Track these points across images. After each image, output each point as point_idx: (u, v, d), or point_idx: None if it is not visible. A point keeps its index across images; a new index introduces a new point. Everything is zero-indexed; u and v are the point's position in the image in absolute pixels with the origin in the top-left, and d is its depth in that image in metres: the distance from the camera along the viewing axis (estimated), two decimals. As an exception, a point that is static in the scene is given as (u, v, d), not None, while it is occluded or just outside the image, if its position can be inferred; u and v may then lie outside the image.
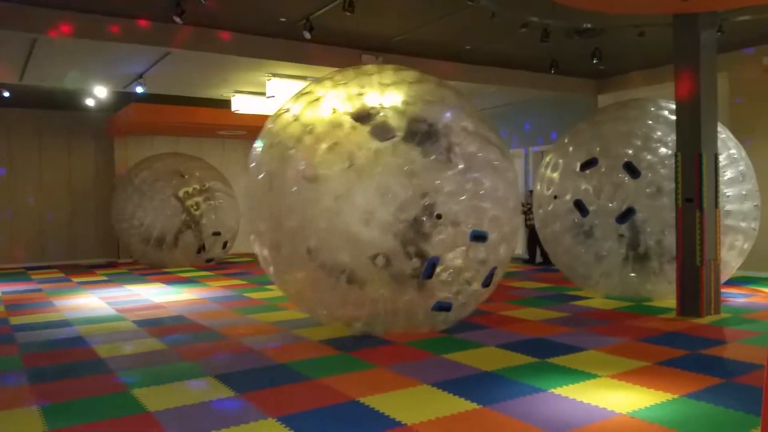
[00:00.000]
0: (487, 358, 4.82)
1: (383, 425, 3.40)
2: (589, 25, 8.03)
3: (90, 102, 11.67)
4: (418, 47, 9.14)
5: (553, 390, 3.95)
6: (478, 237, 5.33)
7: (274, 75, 9.38)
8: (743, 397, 3.71)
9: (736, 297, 7.29)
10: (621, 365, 4.50)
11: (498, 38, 8.68)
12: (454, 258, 5.31)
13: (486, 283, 5.58)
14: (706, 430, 3.24)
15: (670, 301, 6.67)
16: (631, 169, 7.04)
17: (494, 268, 5.57)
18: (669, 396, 3.78)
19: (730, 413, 3.47)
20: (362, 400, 3.84)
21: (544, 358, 4.76)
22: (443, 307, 5.48)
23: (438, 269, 5.26)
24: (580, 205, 7.33)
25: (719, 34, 6.84)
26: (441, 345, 5.29)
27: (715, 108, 6.30)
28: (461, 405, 3.70)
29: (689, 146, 6.14)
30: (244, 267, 12.37)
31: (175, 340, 5.72)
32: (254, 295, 8.42)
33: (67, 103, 12.31)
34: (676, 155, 6.25)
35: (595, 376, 4.24)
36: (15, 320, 6.90)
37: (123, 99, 11.74)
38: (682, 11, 6.12)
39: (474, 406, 3.68)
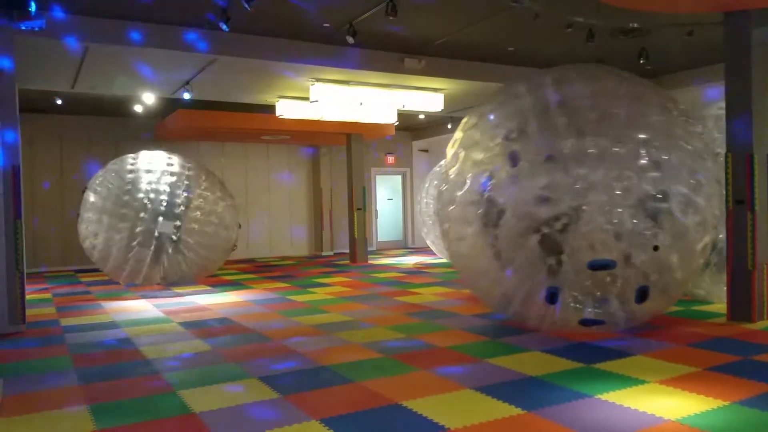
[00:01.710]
0: (531, 362, 4.76)
1: (425, 429, 3.41)
2: (635, 25, 7.86)
3: (138, 108, 12.04)
4: (461, 50, 9.11)
5: (599, 396, 3.88)
6: (599, 267, 4.86)
7: (318, 80, 9.51)
8: (799, 407, 3.58)
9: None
10: (670, 371, 4.39)
11: (542, 39, 8.58)
12: None
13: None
14: (760, 440, 3.14)
15: (721, 306, 6.46)
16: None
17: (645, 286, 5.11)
18: (720, 403, 3.67)
19: (786, 423, 3.35)
20: (405, 403, 3.84)
21: (590, 363, 4.67)
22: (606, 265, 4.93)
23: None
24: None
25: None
26: (485, 349, 5.25)
27: (766, 108, 6.09)
28: (505, 410, 3.67)
29: (740, 147, 5.95)
30: (287, 270, 12.56)
31: (219, 342, 5.84)
32: (297, 298, 8.53)
33: (116, 109, 12.72)
34: (726, 156, 6.06)
35: (643, 382, 4.14)
36: (65, 321, 7.15)
37: (170, 105, 12.08)
38: (733, 8, 5.93)
39: (518, 411, 3.65)
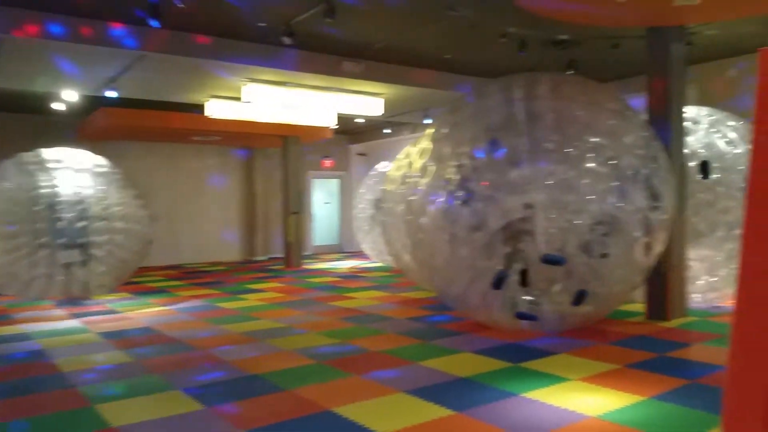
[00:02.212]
0: (462, 364, 4.83)
1: (356, 433, 3.38)
2: (565, 37, 8.15)
3: (59, 106, 11.45)
4: (399, 55, 9.17)
5: (525, 394, 3.98)
6: (552, 261, 5.03)
7: (252, 80, 9.33)
8: (707, 398, 3.81)
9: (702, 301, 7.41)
10: (592, 368, 4.56)
11: (477, 48, 8.75)
12: None
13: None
14: (673, 431, 3.29)
15: (640, 305, 6.77)
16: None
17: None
18: (637, 398, 3.84)
19: (695, 413, 3.56)
20: (336, 410, 3.81)
21: (518, 362, 4.79)
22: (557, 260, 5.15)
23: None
24: None
25: (688, 46, 7.00)
26: (417, 352, 5.28)
27: (682, 118, 6.45)
28: (436, 412, 3.70)
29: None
30: (217, 276, 12.23)
31: (141, 352, 5.56)
32: (227, 305, 8.30)
33: (36, 106, 12.06)
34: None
35: (566, 380, 4.28)
36: (-23, 332, 6.67)
37: (94, 103, 11.55)
38: (654, 24, 6.26)
39: (449, 412, 3.68)
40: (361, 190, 13.38)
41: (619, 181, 5.15)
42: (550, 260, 4.96)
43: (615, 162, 5.20)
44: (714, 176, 6.64)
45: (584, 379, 4.29)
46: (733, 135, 6.88)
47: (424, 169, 5.96)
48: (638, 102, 7.49)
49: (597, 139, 5.27)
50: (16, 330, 6.82)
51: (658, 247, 5.51)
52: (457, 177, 5.44)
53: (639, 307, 6.84)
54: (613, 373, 4.43)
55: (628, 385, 4.11)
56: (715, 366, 4.56)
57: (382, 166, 13.18)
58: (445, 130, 5.93)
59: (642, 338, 5.56)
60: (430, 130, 6.21)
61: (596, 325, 6.13)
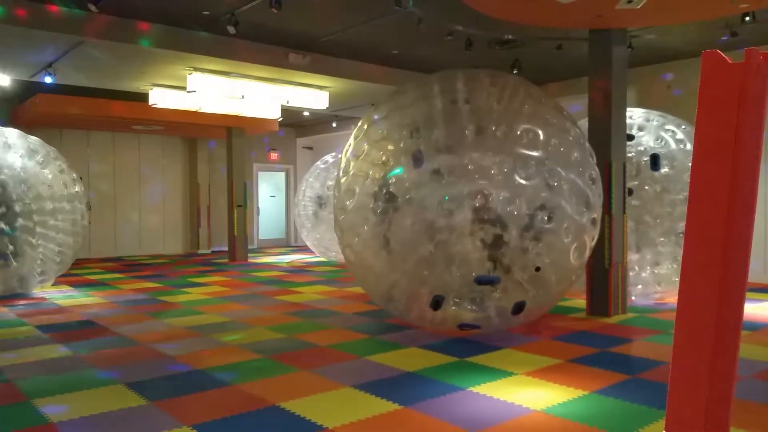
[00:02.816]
0: (409, 358, 4.86)
1: (304, 430, 3.36)
2: (510, 37, 8.30)
3: (-8, 90, 10.86)
4: (347, 49, 9.12)
5: (471, 388, 4.04)
6: (485, 282, 4.97)
7: (196, 69, 9.09)
8: (647, 393, 3.94)
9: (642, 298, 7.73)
10: (536, 363, 4.67)
11: (424, 44, 8.81)
12: None
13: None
14: (614, 424, 3.41)
15: (582, 301, 6.99)
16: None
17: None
18: (580, 392, 3.95)
19: (636, 407, 3.67)
20: (283, 404, 3.77)
21: (464, 357, 4.86)
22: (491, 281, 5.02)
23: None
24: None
25: (630, 50, 7.26)
26: (365, 347, 5.28)
27: (624, 119, 6.68)
28: (383, 406, 3.71)
29: (599, 155, 6.46)
30: (159, 269, 11.89)
31: (81, 346, 5.40)
32: (170, 299, 8.09)
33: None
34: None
35: (511, 374, 4.37)
36: None
37: (30, 89, 11.00)
38: (597, 27, 6.45)
39: (395, 406, 3.70)
40: (302, 187, 13.15)
41: (548, 182, 5.03)
42: (484, 281, 4.97)
43: (545, 161, 5.10)
44: (663, 171, 6.92)
45: (529, 374, 4.39)
46: (681, 135, 7.19)
47: (348, 165, 5.64)
48: (579, 103, 7.75)
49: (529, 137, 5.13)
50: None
51: (589, 248, 5.53)
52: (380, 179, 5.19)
53: (580, 303, 7.07)
54: (557, 368, 4.55)
55: (571, 380, 4.22)
56: (655, 361, 4.72)
57: (323, 162, 13.07)
58: (367, 126, 5.64)
59: (584, 334, 5.74)
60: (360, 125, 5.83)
61: (539, 321, 6.29)
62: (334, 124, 15.39)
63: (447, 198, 4.91)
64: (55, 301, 7.87)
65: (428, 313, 5.20)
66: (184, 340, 5.59)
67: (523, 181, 4.89)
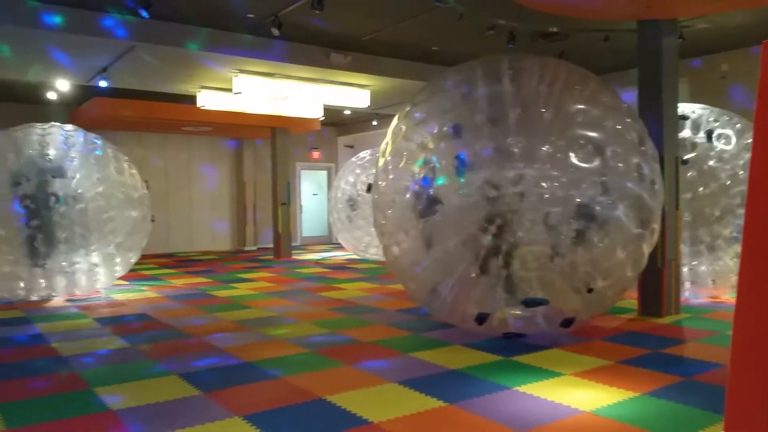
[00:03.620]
0: (453, 356, 4.85)
1: (350, 423, 3.40)
2: (554, 29, 8.16)
3: (52, 95, 11.34)
4: (387, 47, 9.14)
5: (517, 388, 4.00)
6: (534, 303, 4.79)
7: (241, 71, 9.27)
8: (702, 395, 3.82)
9: (696, 297, 7.49)
10: (584, 363, 4.58)
11: (465, 40, 8.75)
12: None
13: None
14: (666, 428, 3.32)
15: (633, 301, 6.82)
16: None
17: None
18: (630, 394, 3.87)
19: (689, 410, 3.57)
20: (329, 398, 3.82)
21: (509, 356, 4.82)
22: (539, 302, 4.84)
23: None
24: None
25: (680, 40, 7.03)
26: (408, 343, 5.30)
27: (676, 112, 6.48)
28: (427, 403, 3.72)
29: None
30: (209, 264, 12.20)
31: (138, 338, 5.62)
32: (219, 293, 8.30)
33: (28, 96, 11.93)
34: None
35: (559, 375, 4.31)
36: (-32, 318, 6.69)
37: (86, 93, 11.44)
38: (645, 17, 6.28)
39: (440, 403, 3.70)
40: (336, 184, 13.04)
41: (607, 176, 4.75)
42: (532, 303, 4.82)
43: (604, 154, 4.81)
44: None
45: (577, 374, 4.31)
46: (730, 131, 6.96)
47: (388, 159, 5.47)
48: (629, 96, 7.54)
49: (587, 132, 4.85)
50: (16, 314, 6.87)
51: (652, 243, 5.34)
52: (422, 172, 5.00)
53: (631, 303, 6.90)
54: (606, 369, 4.45)
55: (622, 381, 4.13)
56: (710, 363, 4.57)
57: (359, 158, 12.94)
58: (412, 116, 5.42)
59: (635, 334, 5.59)
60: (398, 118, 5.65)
61: (588, 321, 6.17)
62: (374, 122, 15.45)
63: (464, 192, 4.77)
64: (112, 296, 8.17)
65: (473, 324, 5.13)
66: (234, 334, 5.73)
67: (578, 166, 4.63)
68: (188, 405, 3.74)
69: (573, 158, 4.63)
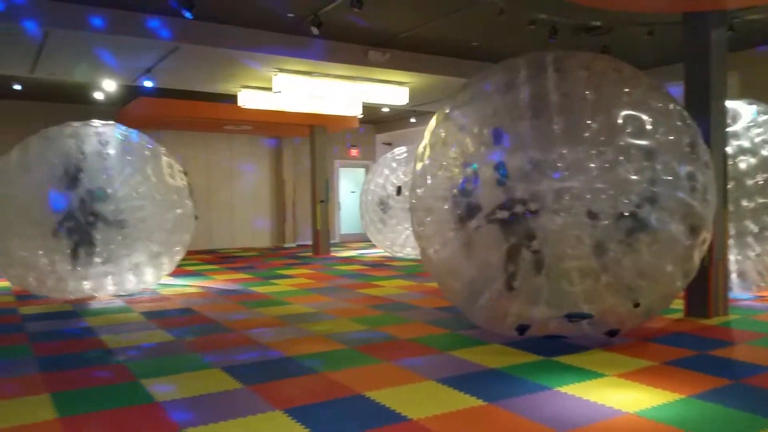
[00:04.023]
0: (492, 355, 4.82)
1: (388, 419, 3.42)
2: (597, 23, 8.00)
3: (98, 95, 11.70)
4: (425, 44, 9.12)
5: (559, 388, 3.95)
6: (577, 317, 4.69)
7: (281, 70, 9.39)
8: (751, 399, 3.70)
9: (745, 298, 7.26)
10: (628, 364, 4.49)
11: (505, 35, 8.66)
12: None
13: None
14: (714, 431, 3.24)
15: (678, 302, 6.65)
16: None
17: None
18: (676, 396, 3.77)
19: (738, 414, 3.46)
20: (367, 394, 3.85)
21: (550, 356, 4.75)
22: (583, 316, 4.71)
23: None
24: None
25: (730, 32, 6.79)
26: (446, 341, 5.29)
27: (724, 108, 6.27)
28: (466, 401, 3.71)
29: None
30: (250, 261, 12.41)
31: (181, 332, 5.77)
32: (260, 289, 8.44)
33: (76, 96, 12.35)
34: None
35: (601, 375, 4.23)
36: (24, 310, 7.00)
37: (131, 93, 11.77)
38: (691, 9, 6.09)
39: (479, 402, 3.69)
40: (370, 178, 13.01)
41: (656, 187, 4.54)
42: (576, 317, 4.70)
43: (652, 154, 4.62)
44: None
45: (620, 375, 4.23)
46: None
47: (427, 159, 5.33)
48: (675, 91, 7.32)
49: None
50: (65, 308, 7.14)
51: (703, 250, 5.07)
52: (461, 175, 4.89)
53: (677, 303, 6.72)
54: (651, 370, 4.35)
55: (667, 383, 4.03)
56: (760, 366, 4.42)
57: (393, 155, 12.89)
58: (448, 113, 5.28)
59: (681, 335, 5.45)
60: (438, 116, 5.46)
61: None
62: (412, 120, 15.43)
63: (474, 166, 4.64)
64: (157, 290, 8.40)
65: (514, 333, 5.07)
66: (275, 329, 5.83)
67: (629, 177, 4.44)
68: (231, 397, 3.82)
69: (620, 169, 4.46)
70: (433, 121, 5.45)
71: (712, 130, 6.06)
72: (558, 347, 5.00)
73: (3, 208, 7.33)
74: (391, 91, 10.52)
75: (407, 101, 10.94)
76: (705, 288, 6.07)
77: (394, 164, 12.68)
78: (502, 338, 5.34)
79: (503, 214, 4.57)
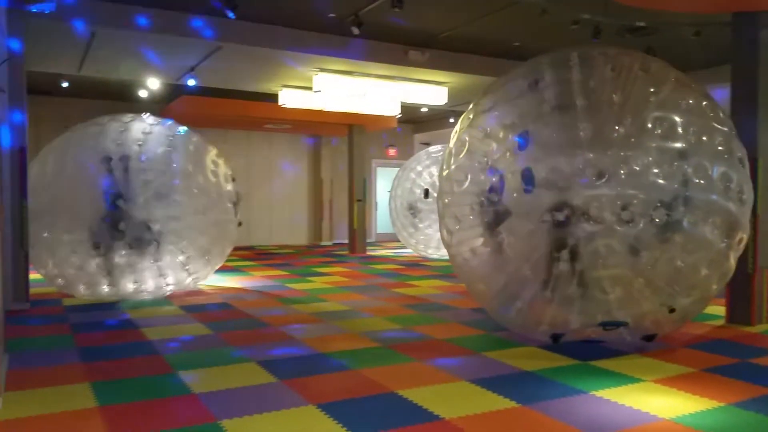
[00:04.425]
0: (527, 357, 4.79)
1: (422, 417, 3.43)
2: (642, 23, 7.84)
3: (143, 93, 12.03)
4: (465, 43, 9.09)
5: (594, 392, 3.90)
6: (612, 325, 4.64)
7: (322, 70, 9.49)
8: (795, 409, 3.59)
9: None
10: (666, 370, 4.40)
11: (547, 35, 8.56)
12: None
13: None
14: (753, 440, 3.16)
15: (720, 308, 6.47)
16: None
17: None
18: (715, 404, 3.68)
19: (781, 424, 3.36)
20: (401, 392, 3.87)
21: (586, 360, 4.69)
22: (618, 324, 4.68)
23: None
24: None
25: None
26: (480, 342, 5.27)
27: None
28: (500, 402, 3.70)
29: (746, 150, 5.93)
30: (287, 258, 12.57)
31: (219, 326, 5.89)
32: (296, 286, 8.56)
33: (121, 94, 12.71)
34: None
35: (638, 381, 4.16)
36: (67, 301, 7.24)
37: (175, 91, 12.06)
38: (741, 9, 5.92)
39: (513, 404, 3.67)
40: (399, 178, 12.95)
41: (689, 191, 4.44)
42: (610, 325, 4.64)
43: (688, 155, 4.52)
44: None
45: (657, 381, 4.15)
46: None
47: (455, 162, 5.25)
48: (722, 93, 7.13)
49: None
50: (106, 300, 7.35)
51: (739, 251, 4.93)
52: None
53: (718, 310, 6.55)
54: (690, 377, 4.26)
55: (706, 390, 3.94)
56: (803, 375, 4.28)
57: (428, 154, 12.79)
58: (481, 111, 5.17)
59: (722, 342, 5.31)
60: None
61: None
62: (451, 120, 15.36)
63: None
64: (197, 285, 8.58)
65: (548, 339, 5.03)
66: (309, 325, 5.90)
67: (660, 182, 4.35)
68: (265, 391, 3.89)
69: (651, 174, 4.37)
70: (457, 126, 5.41)
71: (760, 133, 5.88)
72: (594, 351, 4.92)
73: (51, 208, 6.99)
74: (430, 91, 10.52)
75: (446, 101, 10.92)
76: (748, 295, 5.91)
77: (419, 167, 12.65)
78: (536, 341, 5.28)
79: (558, 216, 4.48)
